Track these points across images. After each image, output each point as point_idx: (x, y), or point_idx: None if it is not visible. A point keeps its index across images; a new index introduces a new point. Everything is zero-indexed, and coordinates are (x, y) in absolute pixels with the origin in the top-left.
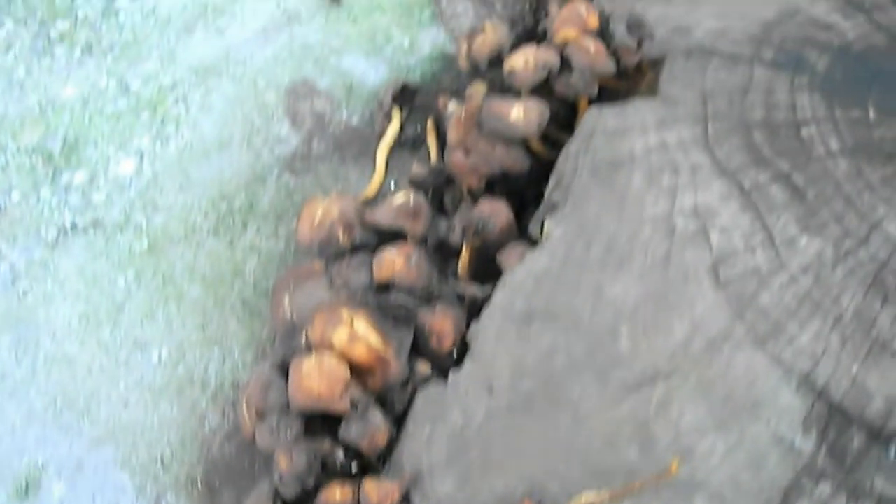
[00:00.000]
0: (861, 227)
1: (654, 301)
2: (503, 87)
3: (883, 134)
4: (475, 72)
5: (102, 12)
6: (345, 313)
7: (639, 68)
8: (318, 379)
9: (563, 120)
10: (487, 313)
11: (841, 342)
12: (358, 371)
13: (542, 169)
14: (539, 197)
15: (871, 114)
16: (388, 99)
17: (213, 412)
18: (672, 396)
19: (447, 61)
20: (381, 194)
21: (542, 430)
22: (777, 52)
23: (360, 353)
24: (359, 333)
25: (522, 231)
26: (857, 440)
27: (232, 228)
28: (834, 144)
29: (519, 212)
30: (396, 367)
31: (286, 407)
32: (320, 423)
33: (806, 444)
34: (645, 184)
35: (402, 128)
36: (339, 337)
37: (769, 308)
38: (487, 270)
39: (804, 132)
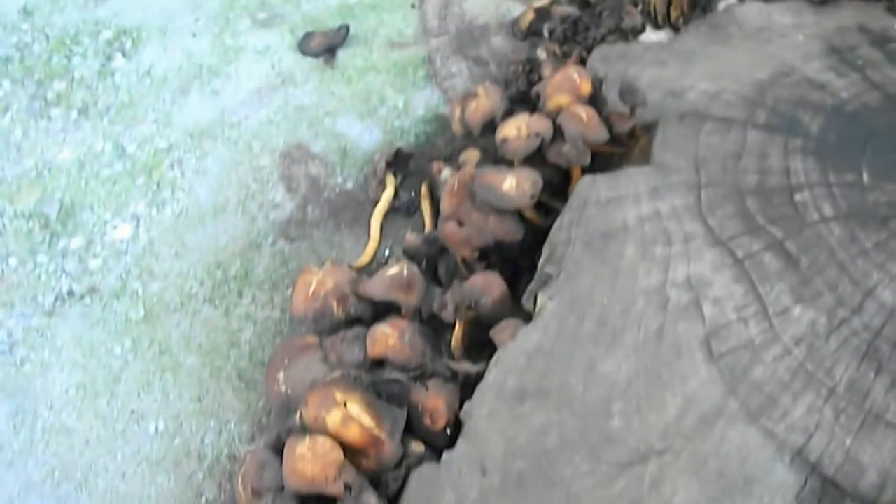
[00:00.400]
0: (855, 294)
1: (646, 376)
2: (496, 154)
3: (877, 198)
4: (468, 136)
5: (98, 72)
6: (338, 395)
7: (632, 133)
8: (312, 462)
9: (557, 186)
10: (480, 392)
11: (834, 415)
12: (352, 452)
13: (536, 236)
14: (534, 264)
15: (865, 177)
16: (381, 165)
17: (210, 485)
18: (665, 474)
19: (441, 123)
20: (376, 261)
21: None
22: (770, 114)
23: (353, 435)
24: (352, 415)
25: (517, 298)
26: None
27: (227, 297)
28: (828, 210)
29: (513, 278)
30: (390, 448)
31: (281, 488)
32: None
33: None
34: (638, 255)
35: (396, 193)
36: (333, 419)
37: (762, 382)
38: (482, 341)
39: (798, 197)
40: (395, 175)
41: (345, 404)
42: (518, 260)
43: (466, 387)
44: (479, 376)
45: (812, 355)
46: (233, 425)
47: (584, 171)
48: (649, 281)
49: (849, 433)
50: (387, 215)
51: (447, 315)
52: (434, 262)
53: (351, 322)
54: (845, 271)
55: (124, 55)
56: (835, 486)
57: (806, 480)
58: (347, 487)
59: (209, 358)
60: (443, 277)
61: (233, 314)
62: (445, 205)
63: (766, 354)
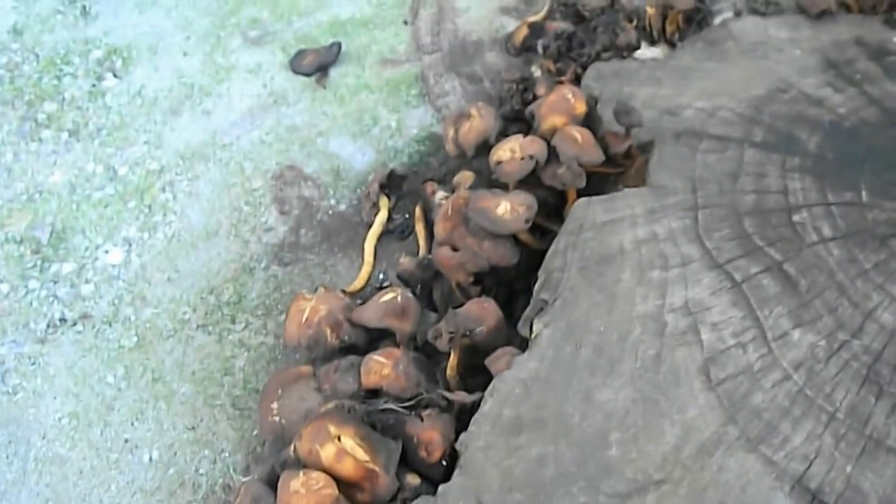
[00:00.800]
0: (854, 317)
1: (644, 405)
2: (490, 176)
3: (876, 216)
4: (462, 157)
5: (89, 93)
6: (332, 428)
7: (628, 154)
8: (306, 497)
9: (552, 207)
10: (476, 423)
11: (835, 441)
12: (347, 486)
13: (532, 258)
14: (530, 286)
15: (864, 195)
16: (375, 187)
17: None
18: None
19: (435, 142)
20: (370, 285)
21: None
22: (768, 131)
23: (348, 469)
24: (346, 449)
25: (514, 320)
26: None
27: (220, 323)
28: (827, 230)
29: (509, 301)
30: (385, 481)
31: None
32: None
33: None
34: (635, 279)
35: (389, 216)
36: (327, 453)
37: (761, 408)
38: (479, 367)
39: (796, 218)
40: (388, 197)
41: (339, 438)
42: (514, 283)
43: (462, 416)
44: (475, 405)
45: (812, 380)
46: (227, 455)
47: (580, 192)
48: (646, 306)
49: (849, 460)
50: (381, 238)
51: (441, 345)
52: (429, 287)
53: (345, 349)
54: (845, 293)
55: (115, 75)
56: None
57: None
58: None
59: (203, 386)
60: (438, 302)
61: (226, 341)
62: (439, 229)
63: (765, 380)
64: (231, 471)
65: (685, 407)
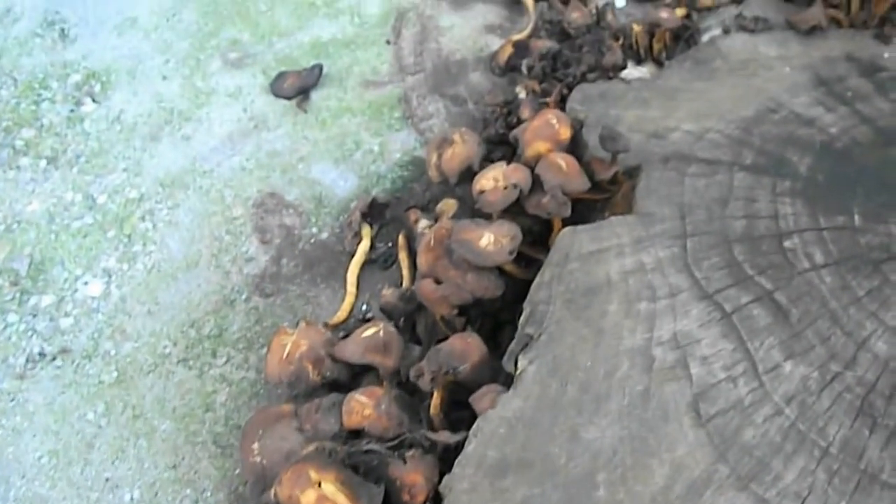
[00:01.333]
0: (847, 347)
1: (632, 443)
2: (474, 203)
3: (869, 241)
4: (445, 184)
5: (68, 119)
6: (312, 473)
7: (614, 179)
8: None
9: (538, 235)
10: (460, 465)
11: (828, 477)
12: None
13: (517, 287)
14: (515, 317)
15: (857, 219)
16: (356, 216)
17: None
18: None
19: (418, 166)
20: (353, 316)
21: None
22: (758, 154)
23: None
24: (327, 495)
25: (501, 351)
26: None
27: (201, 357)
28: (819, 256)
29: (495, 332)
30: None
31: None
32: None
33: None
34: (622, 312)
35: (372, 245)
36: (308, 499)
37: (753, 445)
38: (464, 402)
39: (787, 244)
40: (370, 225)
41: (319, 483)
42: (499, 314)
43: (447, 455)
44: (460, 445)
45: (804, 414)
46: (209, 494)
47: (565, 220)
48: (634, 340)
49: (843, 496)
50: (363, 267)
51: (424, 385)
52: (412, 319)
53: (328, 385)
54: (837, 322)
55: (94, 100)
56: None
57: None
58: None
59: (184, 422)
60: (421, 335)
61: (207, 375)
62: (422, 261)
63: (756, 415)
64: None
65: (674, 445)
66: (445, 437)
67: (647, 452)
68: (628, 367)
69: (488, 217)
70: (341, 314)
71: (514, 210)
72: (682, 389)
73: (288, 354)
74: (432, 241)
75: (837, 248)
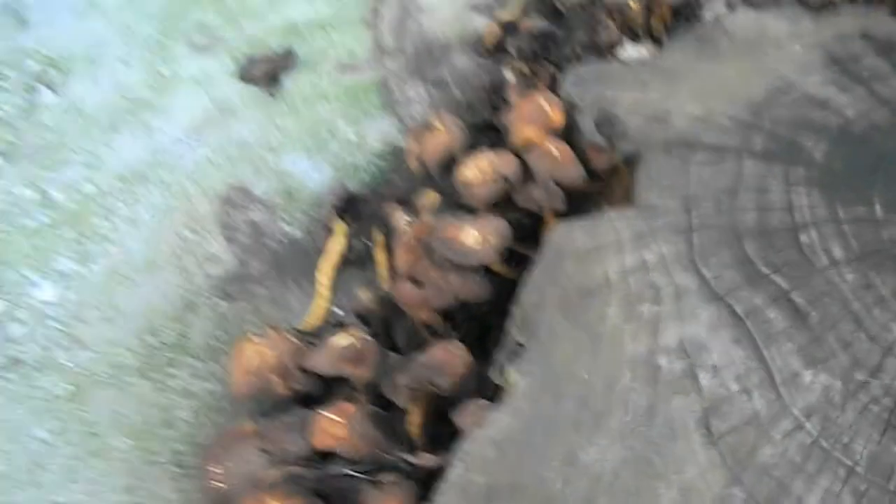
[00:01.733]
0: (872, 352)
1: (636, 465)
2: (458, 198)
3: (892, 234)
4: (427, 175)
5: (24, 109)
6: (269, 501)
7: (612, 168)
8: None
9: (528, 229)
10: (443, 493)
11: (855, 500)
12: None
13: (506, 287)
14: (504, 320)
15: (878, 210)
16: (330, 211)
17: None
18: None
19: (398, 157)
20: (326, 321)
21: None
22: (769, 139)
23: None
24: None
25: (488, 359)
26: None
27: (161, 368)
28: (838, 252)
29: (482, 337)
30: None
31: None
32: None
33: None
34: (622, 316)
35: (348, 242)
36: None
37: (771, 465)
38: (446, 418)
39: (804, 238)
40: (345, 222)
41: None
42: (487, 317)
43: (430, 479)
44: (442, 469)
45: (827, 429)
46: None
47: (559, 213)
48: (636, 348)
49: None
50: (338, 268)
51: (400, 401)
52: (391, 325)
53: (298, 399)
54: (861, 325)
55: (51, 89)
56: None
57: None
58: None
59: (141, 440)
60: (400, 342)
61: (167, 388)
62: (400, 262)
63: (774, 431)
64: None
65: (683, 466)
66: (426, 460)
67: (653, 475)
68: (630, 379)
69: (474, 211)
70: (312, 319)
71: (502, 203)
72: (691, 403)
73: (253, 366)
74: (412, 240)
75: (858, 243)
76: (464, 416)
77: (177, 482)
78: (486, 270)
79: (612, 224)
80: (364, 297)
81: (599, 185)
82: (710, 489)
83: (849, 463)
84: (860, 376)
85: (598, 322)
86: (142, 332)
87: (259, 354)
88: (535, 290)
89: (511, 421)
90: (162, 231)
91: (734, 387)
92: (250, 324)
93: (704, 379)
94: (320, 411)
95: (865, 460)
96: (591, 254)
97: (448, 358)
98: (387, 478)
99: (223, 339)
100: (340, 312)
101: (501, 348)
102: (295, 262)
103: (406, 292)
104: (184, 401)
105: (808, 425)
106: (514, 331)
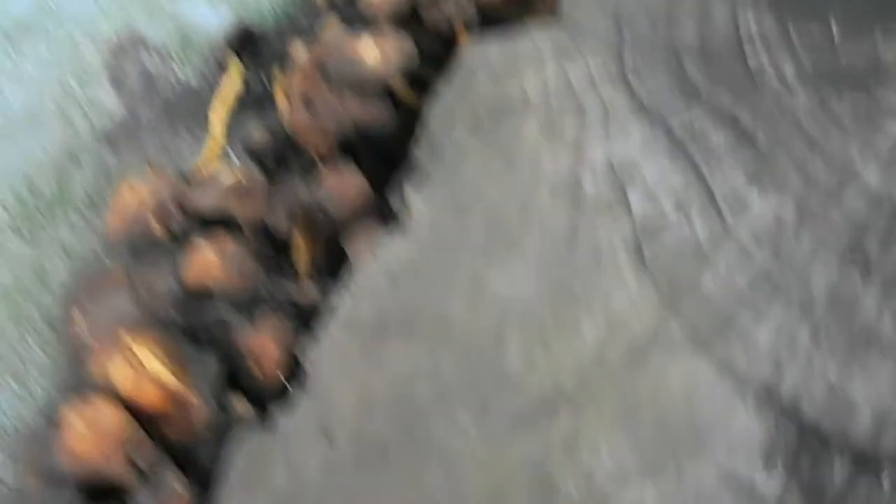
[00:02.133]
0: (830, 177)
1: (554, 295)
2: (363, 23)
3: (850, 55)
4: (333, 7)
5: None
6: (130, 344)
7: None
8: (88, 438)
9: (438, 57)
10: (326, 328)
11: (812, 336)
12: (148, 419)
13: (412, 119)
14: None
15: (835, 30)
16: (225, 49)
17: (6, 471)
18: (581, 428)
19: None
20: (219, 164)
21: (401, 488)
22: None
23: (149, 395)
24: (147, 369)
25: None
26: (838, 471)
27: (38, 224)
28: (790, 72)
29: (386, 175)
30: (200, 410)
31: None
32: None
33: (770, 483)
34: (542, 135)
35: (247, 85)
36: (122, 376)
37: (713, 296)
38: (342, 261)
39: (751, 59)
40: (243, 61)
41: (137, 356)
42: (392, 151)
43: (314, 318)
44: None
45: (779, 258)
46: (38, 387)
47: (473, 34)
48: (557, 168)
49: (832, 359)
50: (233, 109)
51: (280, 226)
52: (285, 160)
53: (177, 243)
54: (816, 147)
55: None
56: (816, 433)
57: (777, 428)
58: (137, 469)
59: (12, 301)
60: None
61: (44, 245)
62: (296, 89)
63: (716, 259)
64: (42, 406)
65: (609, 296)
66: (304, 293)
67: (574, 305)
68: (550, 201)
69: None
70: (204, 162)
71: (409, 23)
72: (620, 227)
73: (131, 209)
74: (308, 63)
75: (812, 64)
76: (354, 244)
77: (49, 346)
78: (390, 97)
79: (532, 41)
80: (258, 135)
81: (520, 7)
82: (641, 322)
83: (805, 297)
84: (817, 202)
85: (514, 141)
86: (18, 188)
87: (137, 196)
88: (444, 111)
89: (409, 248)
90: (47, 84)
91: (670, 210)
92: (137, 174)
93: (636, 202)
94: (194, 246)
95: (824, 293)
96: (508, 69)
97: (340, 184)
98: (261, 315)
99: (106, 192)
100: (234, 157)
101: (404, 174)
102: (188, 109)
103: (299, 118)
104: (61, 258)
105: (756, 253)
106: (418, 155)
